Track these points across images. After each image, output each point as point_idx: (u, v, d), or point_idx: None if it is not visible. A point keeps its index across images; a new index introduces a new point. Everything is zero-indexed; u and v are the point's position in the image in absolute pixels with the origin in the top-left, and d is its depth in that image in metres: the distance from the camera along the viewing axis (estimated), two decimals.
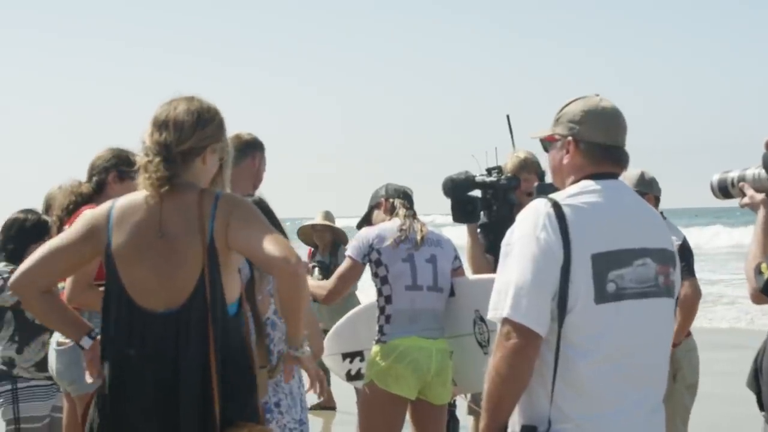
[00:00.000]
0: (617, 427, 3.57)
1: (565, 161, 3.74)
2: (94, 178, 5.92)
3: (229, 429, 4.01)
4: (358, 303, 10.19)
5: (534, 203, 3.63)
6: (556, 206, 3.56)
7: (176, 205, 4.08)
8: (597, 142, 3.70)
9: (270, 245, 3.91)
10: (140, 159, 4.14)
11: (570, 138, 3.72)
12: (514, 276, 3.51)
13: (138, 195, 4.16)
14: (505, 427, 3.58)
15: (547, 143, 3.81)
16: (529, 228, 3.55)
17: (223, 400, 3.99)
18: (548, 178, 6.53)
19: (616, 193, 3.69)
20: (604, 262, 3.54)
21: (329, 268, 10.33)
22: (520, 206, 6.50)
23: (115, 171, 5.89)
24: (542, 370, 3.55)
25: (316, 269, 10.60)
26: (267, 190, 5.87)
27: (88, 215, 4.20)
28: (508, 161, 6.91)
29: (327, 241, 11.07)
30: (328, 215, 11.25)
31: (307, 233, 11.14)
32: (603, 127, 3.71)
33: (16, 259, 6.63)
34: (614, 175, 3.73)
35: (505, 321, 3.51)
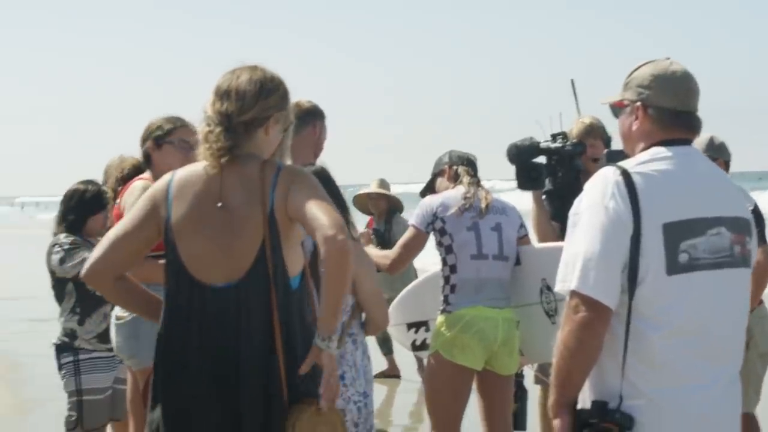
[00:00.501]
0: (692, 402, 3.47)
1: (634, 127, 3.64)
2: (142, 150, 5.90)
3: (296, 406, 3.94)
4: (414, 271, 10.16)
5: (602, 171, 3.54)
6: (626, 174, 3.47)
7: (237, 176, 4.00)
8: (667, 107, 3.60)
9: (321, 217, 3.82)
10: (201, 129, 4.07)
11: (639, 103, 3.62)
12: (582, 247, 3.43)
13: (198, 166, 4.09)
14: (575, 403, 3.51)
15: (616, 109, 3.71)
16: (597, 197, 3.46)
17: (289, 376, 3.92)
18: (615, 144, 6.71)
19: (688, 159, 3.58)
20: (676, 232, 3.45)
21: (384, 236, 10.29)
22: (586, 172, 6.59)
23: (151, 140, 5.85)
24: (613, 344, 3.47)
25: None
26: (327, 159, 5.81)
27: (148, 193, 4.15)
28: (573, 127, 6.82)
29: (382, 209, 11.00)
30: (383, 183, 11.17)
31: (362, 201, 11.08)
32: (673, 92, 3.61)
33: (75, 229, 6.65)
34: (686, 141, 3.63)
35: (573, 294, 3.43)
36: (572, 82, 6.91)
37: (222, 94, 4.05)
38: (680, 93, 3.61)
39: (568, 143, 6.59)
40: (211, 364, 3.96)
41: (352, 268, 3.89)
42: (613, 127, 6.78)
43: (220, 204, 3.98)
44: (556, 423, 3.51)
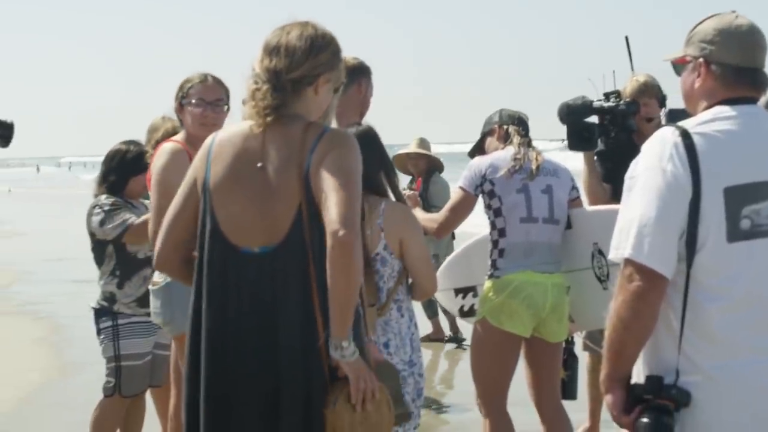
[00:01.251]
0: (752, 377, 3.30)
1: (696, 85, 3.46)
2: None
3: (334, 408, 3.76)
4: (452, 234, 9.94)
5: (661, 132, 3.37)
6: (685, 135, 3.30)
7: (280, 136, 3.85)
8: (731, 64, 3.42)
9: (332, 208, 3.66)
10: (249, 86, 3.92)
11: (701, 59, 3.44)
12: (638, 212, 3.27)
13: (242, 125, 3.94)
14: (628, 377, 3.35)
15: (678, 66, 3.55)
16: (654, 159, 3.30)
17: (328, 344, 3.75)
18: (671, 104, 6.69)
19: (754, 119, 3.40)
20: (739, 196, 3.28)
21: (422, 196, 10.14)
22: (640, 133, 6.60)
23: (177, 101, 5.68)
24: (669, 316, 3.31)
25: None
26: (372, 118, 5.62)
27: (193, 162, 4.03)
28: (626, 85, 6.69)
29: (421, 169, 10.83)
30: (423, 143, 11.00)
31: (401, 161, 10.90)
32: (738, 47, 3.42)
33: (116, 191, 6.53)
34: (752, 100, 3.44)
35: (628, 262, 3.27)
36: (626, 39, 6.75)
37: (271, 51, 3.90)
38: (746, 48, 3.43)
39: (622, 102, 6.49)
40: (250, 331, 3.81)
41: (358, 266, 3.68)
42: (669, 86, 6.92)
43: (260, 164, 3.83)
44: (608, 398, 3.35)
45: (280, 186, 3.79)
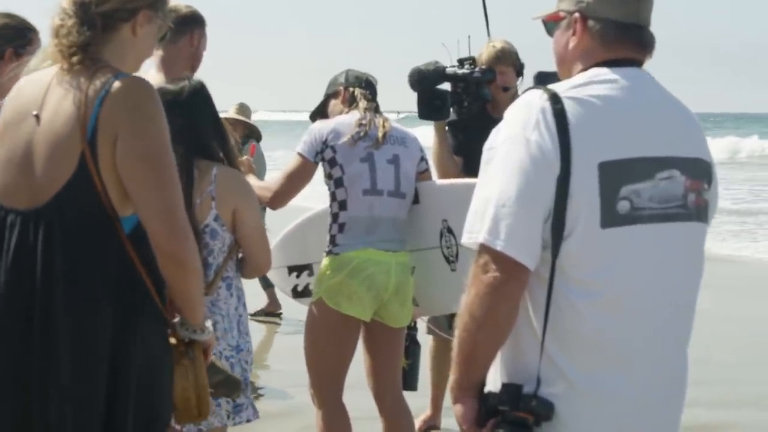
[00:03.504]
0: (622, 390, 2.89)
1: (571, 45, 3.03)
2: None
3: None
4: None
5: (526, 95, 2.92)
6: (555, 99, 2.85)
7: (67, 81, 3.35)
8: (611, 19, 2.98)
9: (149, 209, 3.29)
10: (53, 22, 3.41)
11: (577, 14, 3.00)
12: (495, 190, 2.83)
13: (47, 70, 3.44)
14: (482, 385, 2.90)
15: (550, 25, 3.11)
16: (517, 127, 2.86)
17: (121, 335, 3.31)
18: (528, 74, 6.45)
19: (637, 83, 2.96)
20: (616, 174, 2.84)
21: None
22: (495, 103, 6.33)
23: (10, 47, 4.71)
24: (530, 313, 2.88)
25: None
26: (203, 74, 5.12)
27: None
28: (482, 51, 6.46)
29: (239, 135, 10.39)
30: (242, 108, 10.65)
31: None
32: (620, 0, 2.99)
33: None
34: (635, 63, 3.00)
35: (482, 248, 2.83)
36: (483, 1, 6.56)
37: None
38: (628, 1, 3.00)
39: (477, 69, 6.24)
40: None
41: (196, 271, 3.40)
42: (528, 56, 6.55)
43: (35, 113, 3.36)
44: (458, 409, 2.91)
45: (52, 139, 3.32)
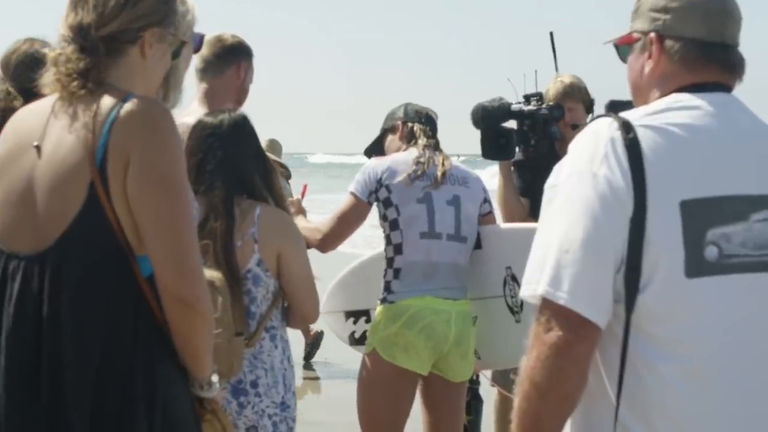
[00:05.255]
0: None
1: (647, 69, 2.70)
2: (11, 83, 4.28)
3: None
4: None
5: (594, 125, 2.60)
6: (627, 127, 2.52)
7: (72, 112, 3.05)
8: (693, 38, 2.65)
9: (160, 251, 2.97)
10: (50, 52, 3.13)
11: (653, 34, 2.68)
12: (558, 234, 2.50)
13: (46, 100, 3.15)
14: None
15: (623, 49, 2.80)
16: (582, 161, 2.53)
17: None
18: (600, 109, 6.08)
19: (725, 110, 2.60)
20: (701, 214, 2.49)
21: None
22: (564, 141, 5.97)
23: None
24: (601, 378, 2.53)
25: None
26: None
27: None
28: (549, 87, 6.20)
29: None
30: (272, 144, 10.40)
31: None
32: (702, 16, 2.66)
33: None
34: (723, 88, 2.66)
35: (543, 302, 2.49)
36: (551, 34, 6.30)
37: (76, 3, 3.13)
38: (712, 17, 2.66)
39: (544, 106, 5.97)
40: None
41: (208, 323, 3.08)
42: (598, 90, 6.26)
43: (36, 143, 3.06)
44: None
45: (56, 169, 3.02)
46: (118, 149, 2.95)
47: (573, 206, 2.49)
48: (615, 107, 3.71)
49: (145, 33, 3.11)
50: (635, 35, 2.73)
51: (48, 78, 3.09)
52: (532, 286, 2.49)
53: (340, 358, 9.87)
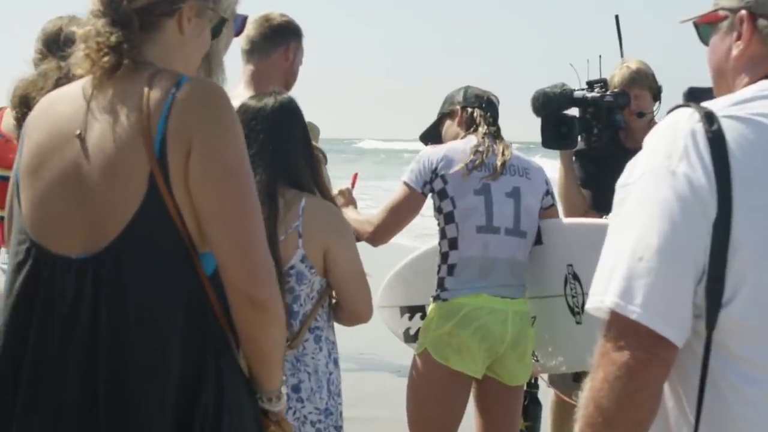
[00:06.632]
0: None
1: (734, 51, 2.45)
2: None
3: None
4: None
5: (673, 116, 2.34)
6: (710, 119, 2.26)
7: (115, 91, 2.80)
8: None
9: (229, 242, 2.74)
10: (80, 30, 2.88)
11: (744, 12, 2.43)
12: (631, 239, 2.25)
13: (73, 84, 2.90)
14: None
15: (705, 28, 2.56)
16: (659, 157, 2.28)
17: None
18: (667, 98, 6.04)
19: None
20: None
21: None
22: (629, 130, 5.85)
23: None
24: (679, 401, 2.28)
25: None
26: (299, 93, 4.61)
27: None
28: (615, 73, 6.04)
29: None
30: (309, 128, 10.02)
31: None
32: None
33: None
34: None
35: (613, 316, 2.24)
36: (617, 17, 6.13)
37: None
38: None
39: (608, 93, 5.83)
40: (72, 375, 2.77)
41: (280, 324, 2.87)
42: (666, 78, 6.07)
43: (78, 132, 2.80)
44: None
45: (107, 161, 2.76)
46: (179, 136, 2.71)
47: (648, 208, 2.24)
48: (695, 96, 3.46)
49: (184, 5, 2.87)
50: (721, 13, 2.49)
51: (77, 56, 2.84)
52: (599, 297, 2.24)
53: (374, 349, 9.67)
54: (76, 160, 2.78)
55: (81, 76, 2.86)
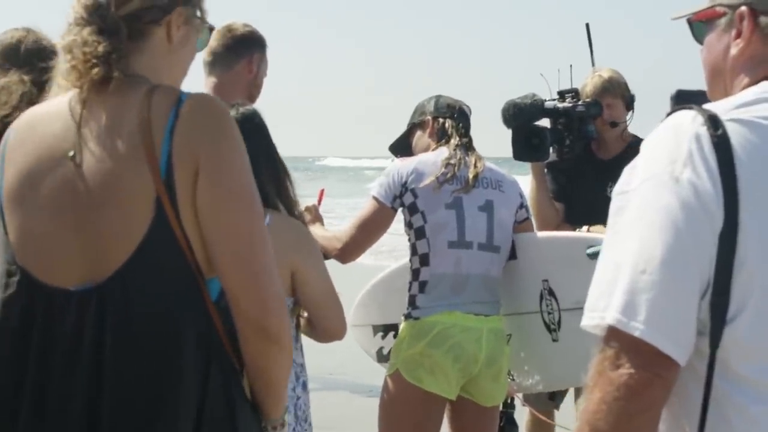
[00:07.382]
0: None
1: (733, 50, 2.33)
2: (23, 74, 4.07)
3: None
4: None
5: (673, 118, 2.20)
6: (714, 122, 2.13)
7: (110, 106, 2.65)
8: None
9: (241, 266, 2.61)
10: (62, 41, 2.73)
11: (744, 8, 2.32)
12: (631, 250, 2.12)
13: (57, 100, 2.74)
14: None
15: (700, 26, 2.44)
16: (661, 162, 2.15)
17: None
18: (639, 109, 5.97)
19: None
20: None
21: None
22: (601, 141, 5.72)
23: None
24: (680, 422, 2.15)
25: None
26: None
27: None
28: (586, 82, 5.94)
29: None
30: None
31: None
32: None
33: None
34: None
35: (612, 333, 2.10)
36: (587, 26, 6.11)
37: None
38: None
39: (580, 103, 5.74)
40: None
41: (288, 352, 2.77)
42: (638, 87, 5.96)
43: (71, 153, 2.63)
44: None
45: (107, 184, 2.61)
46: (185, 156, 2.57)
47: (650, 217, 2.11)
48: (684, 98, 3.34)
49: (172, 13, 2.74)
50: (719, 9, 2.37)
51: (62, 68, 2.69)
52: (599, 314, 2.10)
53: (345, 369, 9.58)
54: (71, 184, 2.62)
55: (58, 92, 2.70)
